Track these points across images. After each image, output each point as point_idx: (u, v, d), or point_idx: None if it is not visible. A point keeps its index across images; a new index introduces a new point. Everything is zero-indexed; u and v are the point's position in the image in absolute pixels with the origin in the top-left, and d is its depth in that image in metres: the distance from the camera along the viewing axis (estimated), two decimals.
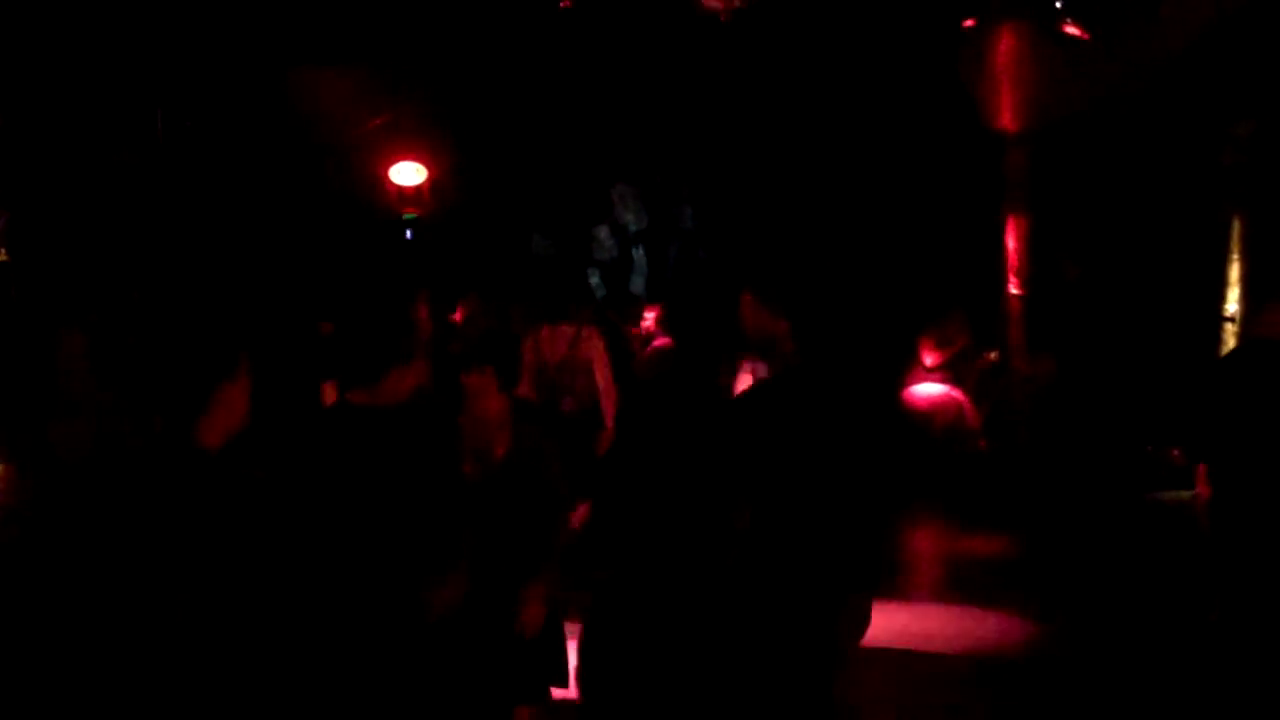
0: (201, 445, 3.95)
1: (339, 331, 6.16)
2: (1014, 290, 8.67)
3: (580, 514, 5.50)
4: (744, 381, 6.99)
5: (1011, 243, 8.70)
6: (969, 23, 8.71)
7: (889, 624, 5.80)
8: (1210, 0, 8.15)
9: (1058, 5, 8.63)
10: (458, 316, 7.95)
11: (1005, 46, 8.57)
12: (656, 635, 4.57)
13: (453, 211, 9.76)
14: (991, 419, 8.40)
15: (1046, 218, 8.71)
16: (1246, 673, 5.12)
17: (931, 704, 5.54)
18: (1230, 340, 8.47)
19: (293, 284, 8.80)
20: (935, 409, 8.30)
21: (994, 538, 7.32)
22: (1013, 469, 7.94)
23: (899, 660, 5.78)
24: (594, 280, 9.84)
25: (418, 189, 9.67)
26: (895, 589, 6.35)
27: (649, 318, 8.06)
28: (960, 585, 6.72)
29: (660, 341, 7.84)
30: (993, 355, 8.66)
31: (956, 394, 8.41)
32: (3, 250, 8.05)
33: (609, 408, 6.61)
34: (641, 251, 9.87)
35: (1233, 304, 8.51)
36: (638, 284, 10.03)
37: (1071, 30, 8.59)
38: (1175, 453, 7.38)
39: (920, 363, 8.49)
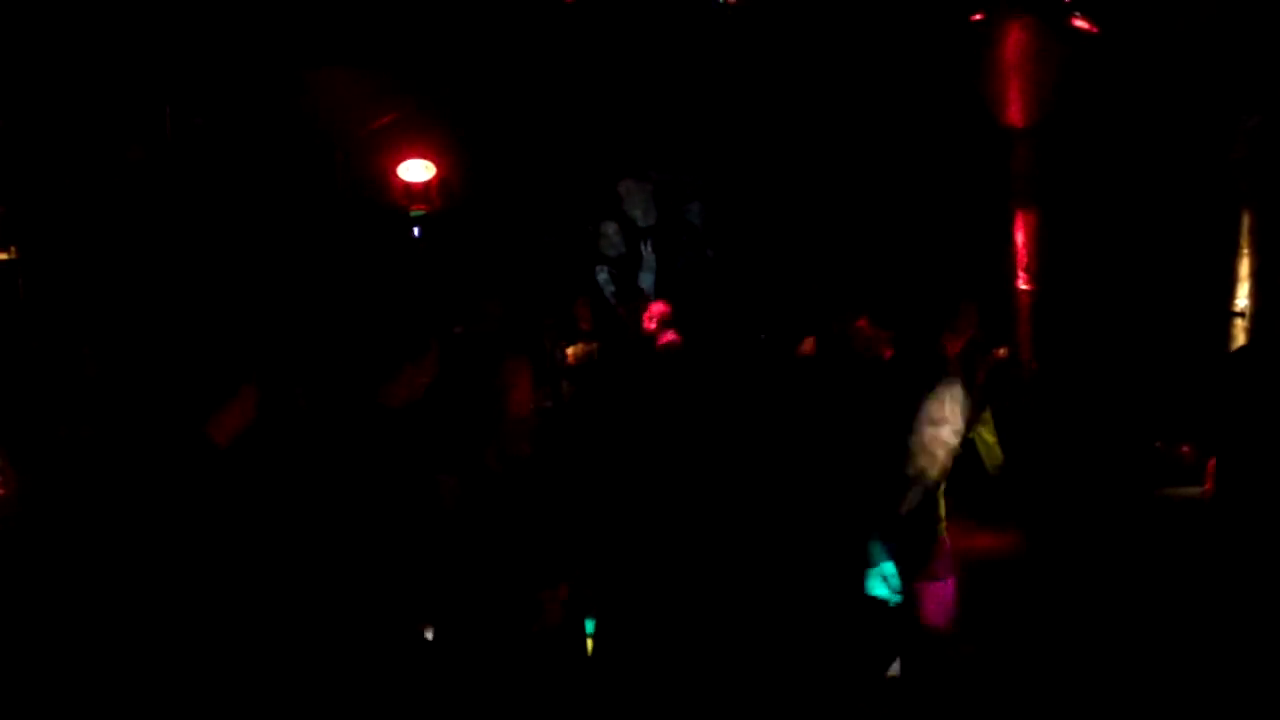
0: (213, 443, 3.96)
1: (344, 332, 6.17)
2: (1023, 285, 8.66)
3: None
4: None
5: (1020, 238, 8.69)
6: (977, 17, 8.70)
7: None
8: None
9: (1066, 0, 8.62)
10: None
11: (1013, 41, 8.56)
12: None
13: (460, 208, 9.76)
14: (1000, 414, 8.39)
15: (1055, 212, 8.71)
16: (1247, 671, 5.12)
17: None
18: (1240, 335, 8.45)
19: (302, 281, 8.82)
20: None
21: (1000, 534, 7.31)
22: (1021, 464, 7.93)
23: None
24: (602, 277, 9.83)
25: (426, 186, 9.68)
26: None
27: (654, 314, 8.06)
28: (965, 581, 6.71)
29: (667, 338, 7.84)
30: (1002, 351, 8.64)
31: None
32: (12, 248, 8.06)
33: None
34: (650, 248, 9.85)
35: (1242, 299, 8.48)
36: (646, 281, 10.01)
37: (1080, 24, 8.57)
38: (1185, 449, 7.36)
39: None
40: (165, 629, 3.82)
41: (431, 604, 4.28)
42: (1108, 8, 8.57)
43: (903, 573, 5.25)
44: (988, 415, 7.73)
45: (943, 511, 5.34)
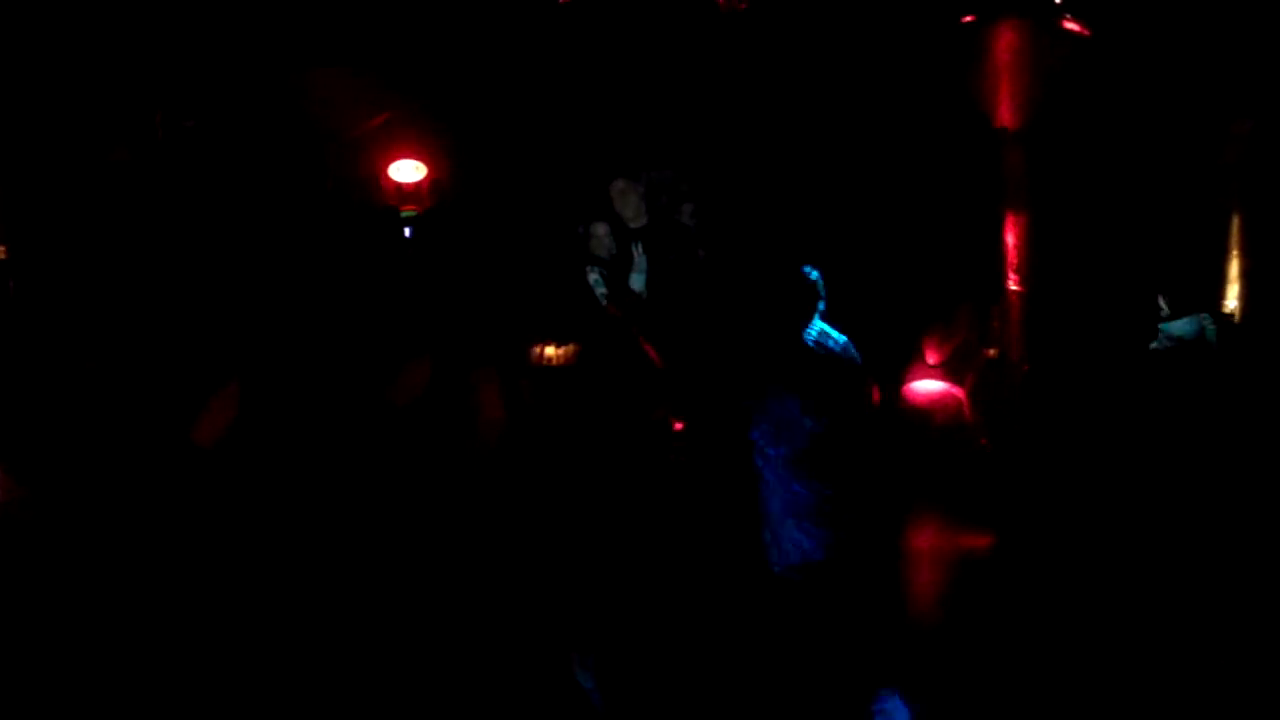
0: (196, 443, 3.96)
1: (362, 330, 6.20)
2: (1014, 287, 8.67)
3: None
4: None
5: (1011, 239, 8.70)
6: (968, 19, 8.70)
7: None
8: None
9: (1057, 1, 8.62)
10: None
11: (1004, 43, 8.57)
12: None
13: (451, 208, 9.75)
14: (990, 416, 8.40)
15: (1046, 214, 8.71)
16: (1245, 671, 5.13)
17: None
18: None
19: (292, 282, 8.81)
20: (934, 406, 8.29)
21: (992, 536, 7.32)
22: (1013, 467, 7.94)
23: None
24: (593, 277, 9.80)
25: (417, 186, 9.66)
26: None
27: None
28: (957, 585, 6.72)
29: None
30: (992, 352, 8.65)
31: (956, 391, 8.39)
32: (1, 248, 8.05)
33: None
34: (641, 249, 9.82)
35: (1232, 300, 8.50)
36: (638, 282, 9.97)
37: (1072, 26, 8.58)
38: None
39: (923, 360, 8.48)
40: (161, 626, 3.83)
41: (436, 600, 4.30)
42: (1100, 10, 8.58)
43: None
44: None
45: None
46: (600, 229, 9.89)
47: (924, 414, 8.21)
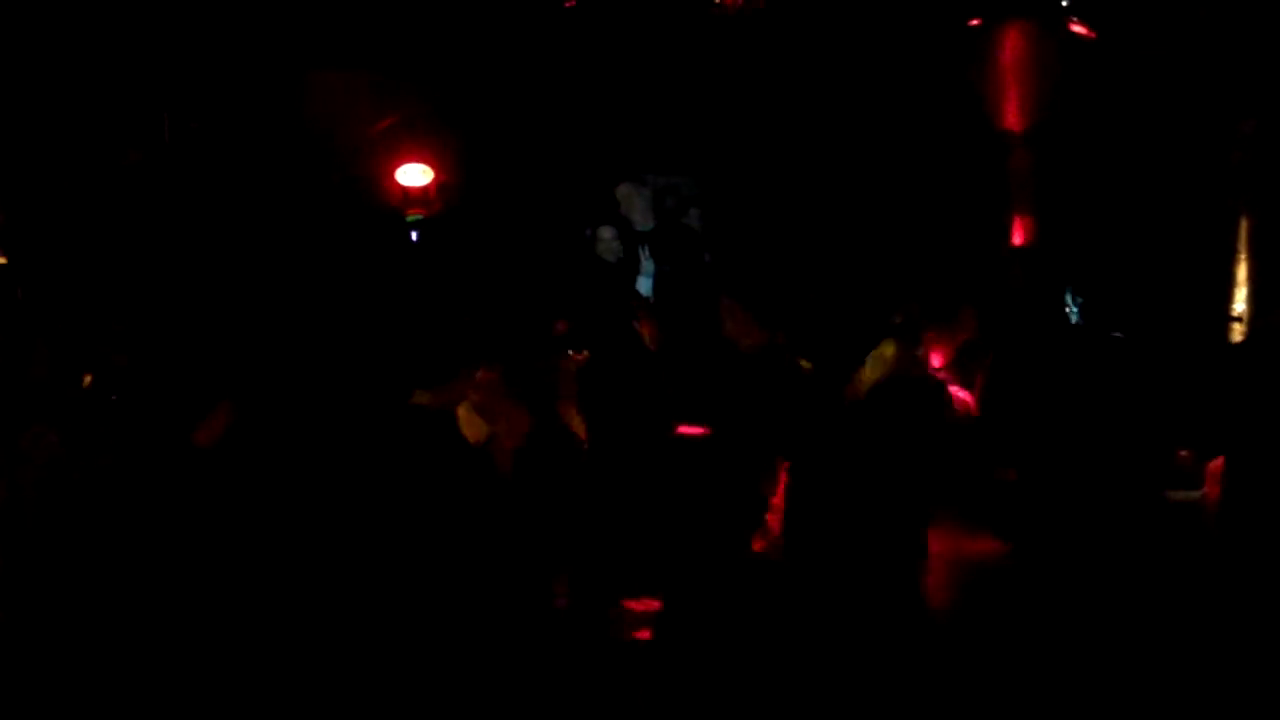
0: (196, 445, 3.97)
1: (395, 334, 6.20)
2: (1020, 288, 8.65)
3: None
4: None
5: (1017, 241, 8.69)
6: (974, 22, 8.71)
7: None
8: None
9: (1063, 4, 8.62)
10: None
11: (1010, 46, 8.57)
12: None
13: (458, 212, 9.75)
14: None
15: (1052, 217, 8.71)
16: (1246, 673, 5.12)
17: None
18: (1238, 339, 8.46)
19: (298, 285, 8.81)
20: None
21: (998, 539, 7.29)
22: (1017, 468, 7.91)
23: None
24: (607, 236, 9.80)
25: (424, 190, 9.66)
26: None
27: None
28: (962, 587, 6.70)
29: None
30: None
31: (962, 394, 8.37)
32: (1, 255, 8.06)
33: None
34: (647, 253, 9.83)
35: (1240, 303, 8.48)
36: (644, 286, 9.98)
37: (1077, 29, 8.58)
38: (1183, 453, 7.36)
39: (928, 361, 8.46)
40: (160, 626, 3.83)
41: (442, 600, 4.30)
42: (1105, 12, 8.58)
43: None
44: None
45: None
46: (607, 232, 9.90)
47: None
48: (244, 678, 4.08)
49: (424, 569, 4.21)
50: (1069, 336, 7.67)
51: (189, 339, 6.64)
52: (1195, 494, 6.64)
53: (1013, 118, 8.76)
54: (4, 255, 8.13)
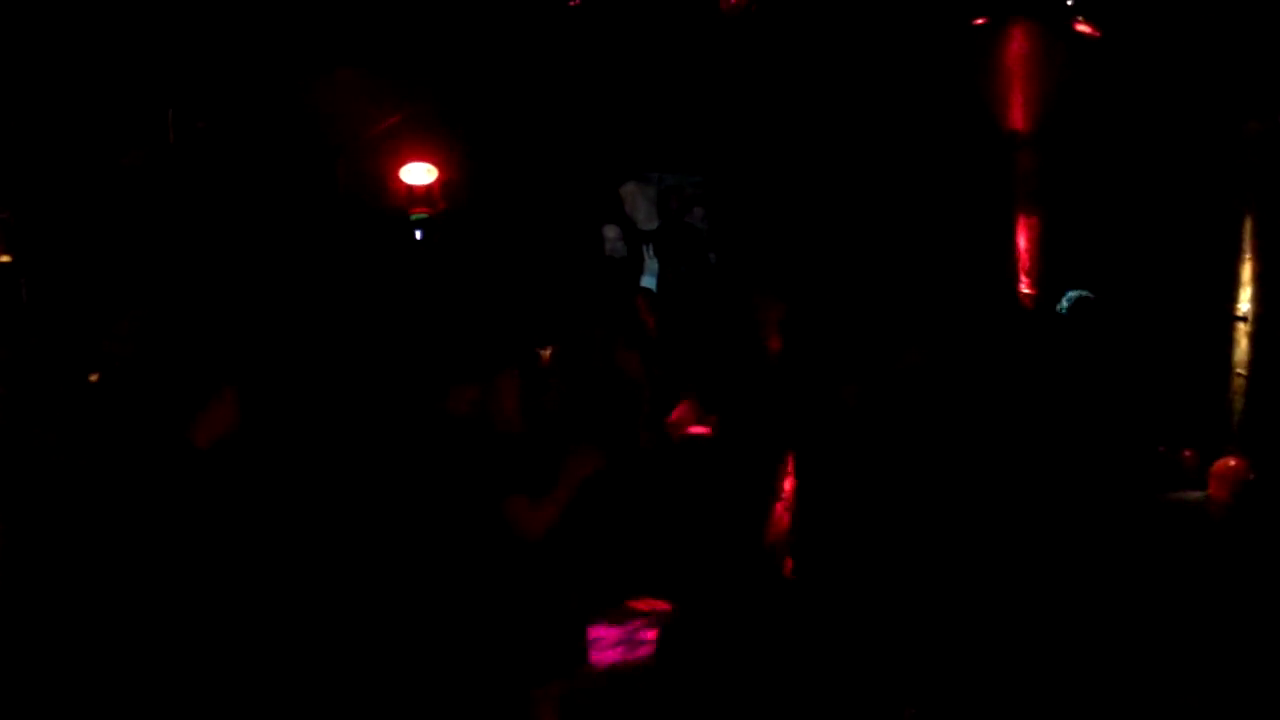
0: (194, 445, 3.97)
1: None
2: (1025, 290, 8.65)
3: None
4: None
5: (1023, 242, 8.68)
6: (979, 21, 8.69)
7: None
8: None
9: (1069, 3, 8.61)
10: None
11: (1015, 45, 8.56)
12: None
13: (463, 211, 9.76)
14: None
15: (1057, 217, 8.70)
16: (1248, 673, 5.12)
17: None
18: (1243, 340, 8.45)
19: (303, 285, 8.82)
20: None
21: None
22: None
23: None
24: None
25: (428, 189, 9.67)
26: None
27: None
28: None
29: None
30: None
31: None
32: (6, 254, 8.06)
33: None
34: (651, 252, 9.86)
35: (1245, 303, 8.47)
36: (648, 284, 10.01)
37: (1083, 29, 8.57)
38: (1187, 454, 7.36)
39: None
40: (156, 628, 3.83)
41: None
42: (1110, 12, 8.56)
43: None
44: None
45: None
46: (611, 231, 9.92)
47: None
48: (253, 677, 4.08)
49: (446, 566, 4.25)
50: (1058, 330, 7.70)
51: (194, 337, 6.65)
52: (1198, 495, 6.64)
53: (1018, 118, 8.74)
54: (9, 254, 8.14)
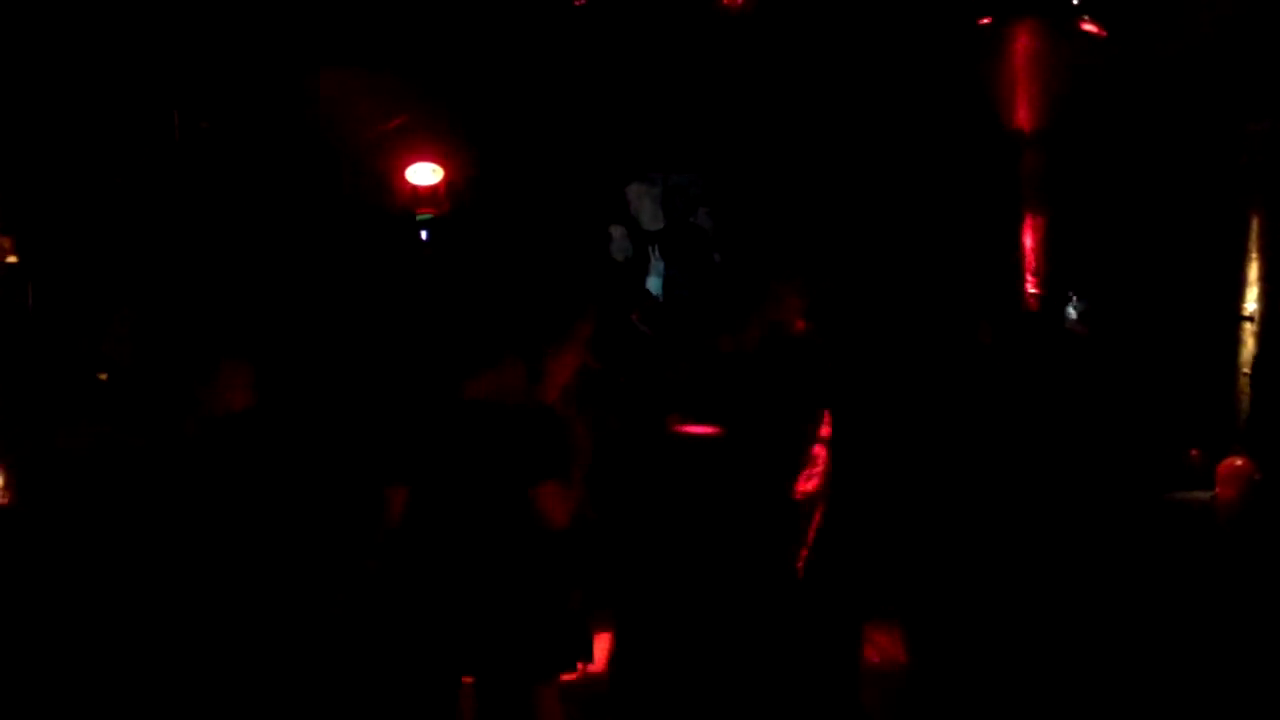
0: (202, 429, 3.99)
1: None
2: (1032, 289, 8.65)
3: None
4: None
5: (1029, 242, 8.68)
6: (985, 20, 8.69)
7: None
8: None
9: (1074, 2, 8.60)
10: None
11: (1021, 45, 8.55)
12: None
13: (468, 212, 9.76)
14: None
15: (1063, 216, 8.69)
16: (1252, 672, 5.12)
17: None
18: (1249, 339, 8.44)
19: (307, 286, 8.83)
20: None
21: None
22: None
23: None
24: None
25: (433, 189, 9.66)
26: None
27: None
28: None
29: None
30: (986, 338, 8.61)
31: None
32: (13, 255, 8.07)
33: None
34: (657, 252, 9.86)
35: (1251, 303, 8.47)
36: (654, 285, 10.02)
37: (1089, 28, 8.56)
38: (1194, 453, 7.35)
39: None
40: (163, 623, 3.83)
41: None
42: (1116, 12, 8.55)
43: None
44: None
45: None
46: (617, 232, 9.92)
47: None
48: (261, 666, 4.09)
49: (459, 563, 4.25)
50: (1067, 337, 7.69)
51: (198, 335, 6.65)
52: (1204, 494, 6.63)
53: (1023, 117, 8.73)
54: (15, 254, 8.15)
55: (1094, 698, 5.75)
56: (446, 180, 9.65)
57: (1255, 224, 8.46)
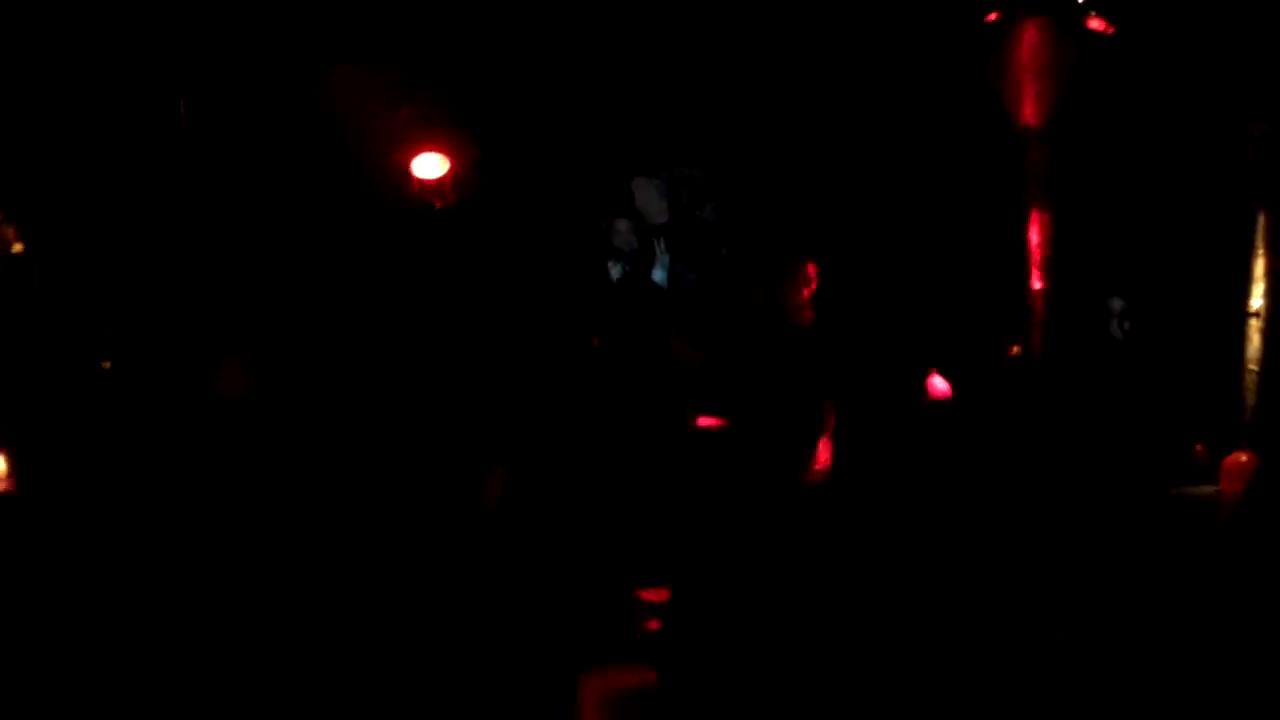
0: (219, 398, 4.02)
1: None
2: (1036, 285, 8.65)
3: None
4: None
5: (1034, 237, 8.68)
6: (992, 16, 8.69)
7: None
8: None
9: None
10: None
11: (1028, 41, 8.55)
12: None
13: (473, 203, 9.75)
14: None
15: (1069, 212, 8.69)
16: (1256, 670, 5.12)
17: None
18: (1255, 336, 8.44)
19: (313, 276, 8.83)
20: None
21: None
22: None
23: None
24: (615, 271, 9.82)
25: (440, 181, 9.66)
26: None
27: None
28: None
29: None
30: (1015, 349, 8.64)
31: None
32: (18, 242, 8.08)
33: None
34: (663, 246, 9.84)
35: (1257, 299, 8.47)
36: (659, 277, 9.99)
37: (1095, 24, 8.56)
38: (1199, 448, 7.36)
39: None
40: (169, 617, 3.84)
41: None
42: (1123, 8, 8.56)
43: None
44: None
45: None
46: (622, 225, 9.91)
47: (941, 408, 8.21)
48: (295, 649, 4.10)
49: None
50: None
51: (203, 324, 6.67)
52: (1209, 489, 6.64)
53: (1030, 113, 8.73)
54: (21, 242, 8.17)
55: (1097, 691, 5.75)
56: (452, 173, 9.65)
57: (1262, 221, 8.46)
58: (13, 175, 8.18)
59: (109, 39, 8.31)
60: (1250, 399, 8.34)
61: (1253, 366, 8.36)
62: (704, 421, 7.18)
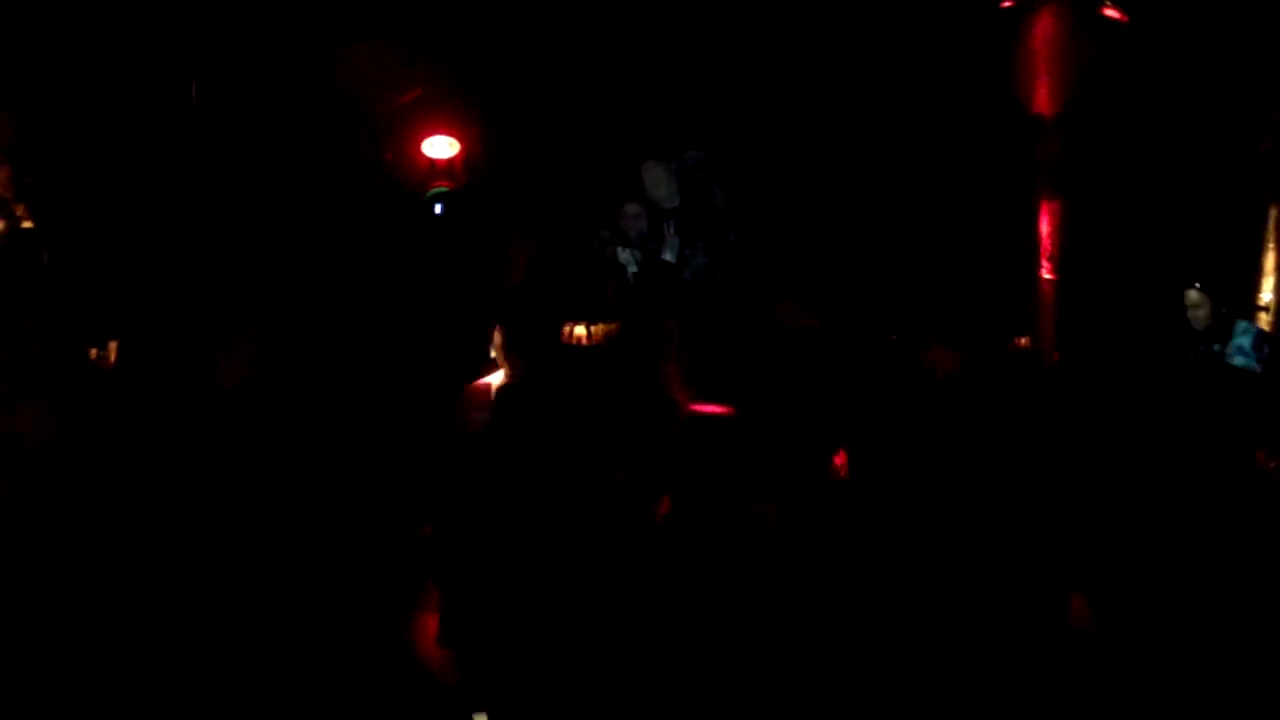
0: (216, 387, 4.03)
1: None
2: (1047, 275, 8.63)
3: None
4: None
5: (1045, 227, 8.65)
6: (1006, 4, 8.66)
7: None
8: None
9: None
10: None
11: (1042, 29, 8.51)
12: None
13: (484, 185, 9.76)
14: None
15: (1080, 202, 8.67)
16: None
17: None
18: (1265, 329, 8.43)
19: (322, 256, 8.84)
20: None
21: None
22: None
23: None
24: (624, 255, 9.83)
25: (450, 162, 9.66)
26: None
27: None
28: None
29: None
30: (1024, 341, 8.62)
31: None
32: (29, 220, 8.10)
33: None
34: (673, 230, 9.84)
35: (1268, 293, 8.45)
36: (668, 259, 10.01)
37: (1110, 14, 8.52)
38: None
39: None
40: (173, 613, 3.85)
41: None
42: None
43: None
44: None
45: None
46: (632, 209, 9.91)
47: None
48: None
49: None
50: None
51: (208, 307, 6.67)
52: None
53: (1042, 102, 8.70)
54: (31, 220, 8.18)
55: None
56: (463, 154, 9.66)
57: (1273, 214, 8.45)
58: (22, 153, 8.19)
59: (121, 20, 8.30)
60: None
61: None
62: (703, 408, 7.16)
